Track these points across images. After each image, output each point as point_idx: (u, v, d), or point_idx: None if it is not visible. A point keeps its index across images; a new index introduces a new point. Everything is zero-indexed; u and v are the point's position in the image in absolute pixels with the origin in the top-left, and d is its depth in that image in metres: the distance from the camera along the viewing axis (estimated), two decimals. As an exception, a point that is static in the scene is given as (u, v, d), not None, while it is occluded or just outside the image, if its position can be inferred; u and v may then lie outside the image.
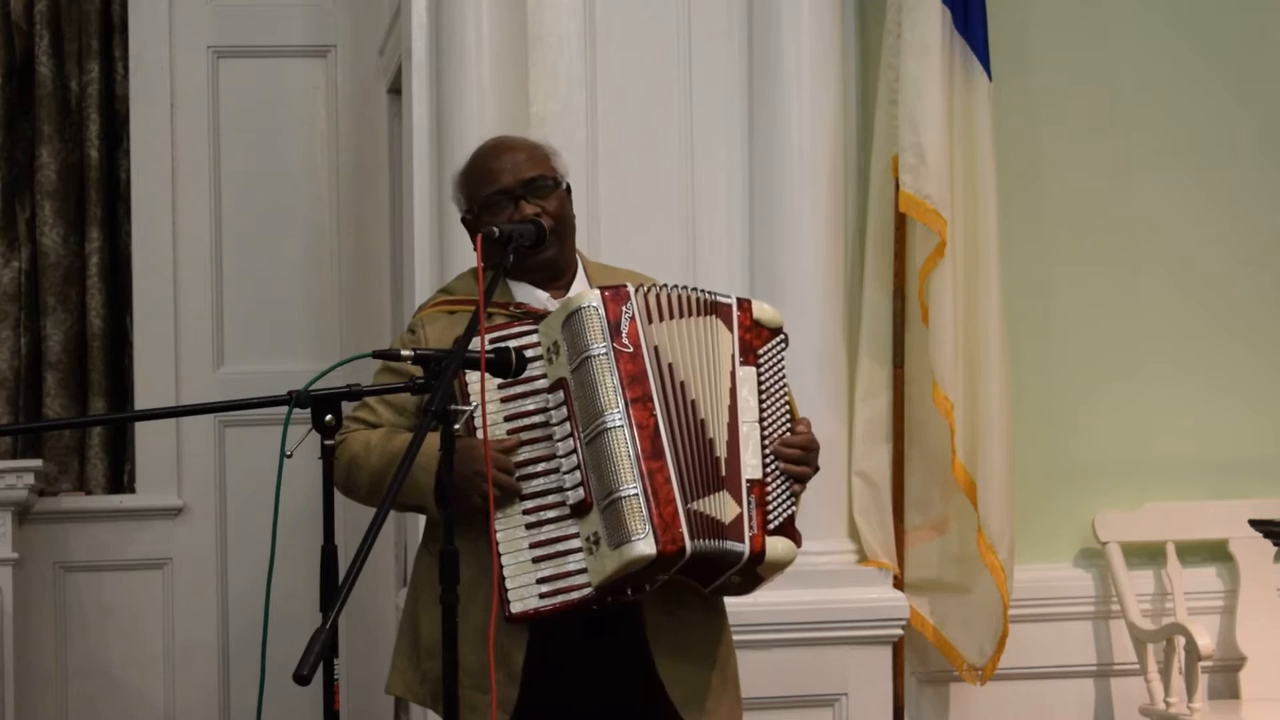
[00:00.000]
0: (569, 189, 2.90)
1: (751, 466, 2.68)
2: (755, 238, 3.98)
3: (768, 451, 2.71)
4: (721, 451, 2.66)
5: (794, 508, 2.74)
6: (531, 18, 3.92)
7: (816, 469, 2.83)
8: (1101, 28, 4.34)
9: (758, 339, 2.76)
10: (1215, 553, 4.29)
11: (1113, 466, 4.29)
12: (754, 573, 2.70)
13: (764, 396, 2.74)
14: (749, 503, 2.66)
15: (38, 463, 4.69)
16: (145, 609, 5.04)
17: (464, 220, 2.91)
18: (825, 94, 3.94)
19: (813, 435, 2.80)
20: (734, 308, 2.75)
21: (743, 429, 2.69)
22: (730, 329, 2.73)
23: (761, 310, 2.79)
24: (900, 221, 4.00)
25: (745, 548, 2.64)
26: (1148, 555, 4.24)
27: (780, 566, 2.70)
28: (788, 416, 2.78)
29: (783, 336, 2.81)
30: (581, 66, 3.97)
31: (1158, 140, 4.35)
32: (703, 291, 2.76)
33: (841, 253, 3.99)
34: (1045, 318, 4.28)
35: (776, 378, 2.77)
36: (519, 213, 2.78)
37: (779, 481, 2.72)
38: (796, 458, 2.75)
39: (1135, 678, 4.14)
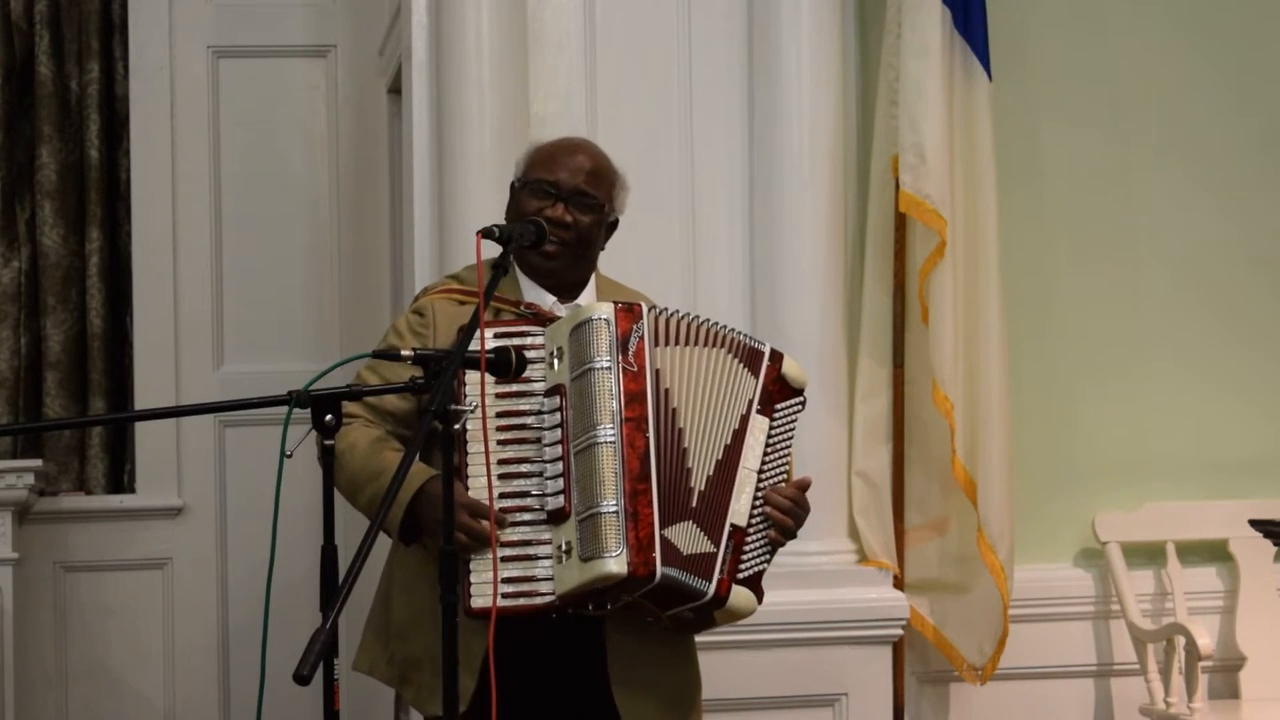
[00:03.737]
0: (614, 224, 2.91)
1: (739, 513, 2.66)
2: (755, 238, 3.98)
3: (758, 503, 2.69)
4: (699, 484, 2.64)
5: (766, 565, 2.71)
6: (531, 18, 3.92)
7: (794, 533, 2.78)
8: (1101, 27, 4.34)
9: (779, 394, 2.75)
10: (1215, 553, 4.29)
11: (1113, 466, 4.29)
12: (710, 614, 2.69)
13: (769, 450, 2.72)
14: (726, 546, 2.64)
15: (38, 463, 4.68)
16: (145, 609, 5.04)
17: (511, 184, 2.92)
18: (825, 94, 3.94)
19: (806, 497, 2.76)
20: (765, 357, 2.75)
21: (741, 473, 2.68)
22: (756, 376, 2.73)
23: (790, 366, 2.78)
24: (900, 221, 4.00)
25: (710, 589, 2.62)
26: (1148, 555, 4.24)
27: (737, 616, 2.69)
28: (785, 479, 2.75)
29: (802, 399, 2.79)
30: (581, 66, 3.97)
31: (1158, 140, 4.35)
32: (741, 333, 2.76)
33: (841, 253, 3.98)
34: (1045, 317, 4.28)
35: (785, 437, 2.76)
36: (553, 210, 2.79)
37: (760, 536, 2.70)
38: (786, 507, 2.71)
39: (1135, 678, 4.14)
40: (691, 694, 2.85)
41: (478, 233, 2.64)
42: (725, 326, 2.76)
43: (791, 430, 2.78)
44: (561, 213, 2.79)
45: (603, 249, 2.92)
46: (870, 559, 3.99)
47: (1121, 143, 4.34)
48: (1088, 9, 4.33)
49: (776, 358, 2.77)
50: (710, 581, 2.62)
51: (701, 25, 4.01)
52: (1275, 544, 3.79)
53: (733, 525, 2.65)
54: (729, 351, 2.73)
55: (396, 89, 4.54)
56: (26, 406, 5.01)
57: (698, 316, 2.74)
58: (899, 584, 4.00)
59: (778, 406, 2.75)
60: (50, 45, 5.02)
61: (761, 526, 2.70)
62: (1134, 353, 4.33)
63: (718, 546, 2.63)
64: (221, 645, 5.06)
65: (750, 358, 2.74)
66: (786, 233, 3.92)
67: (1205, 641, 3.84)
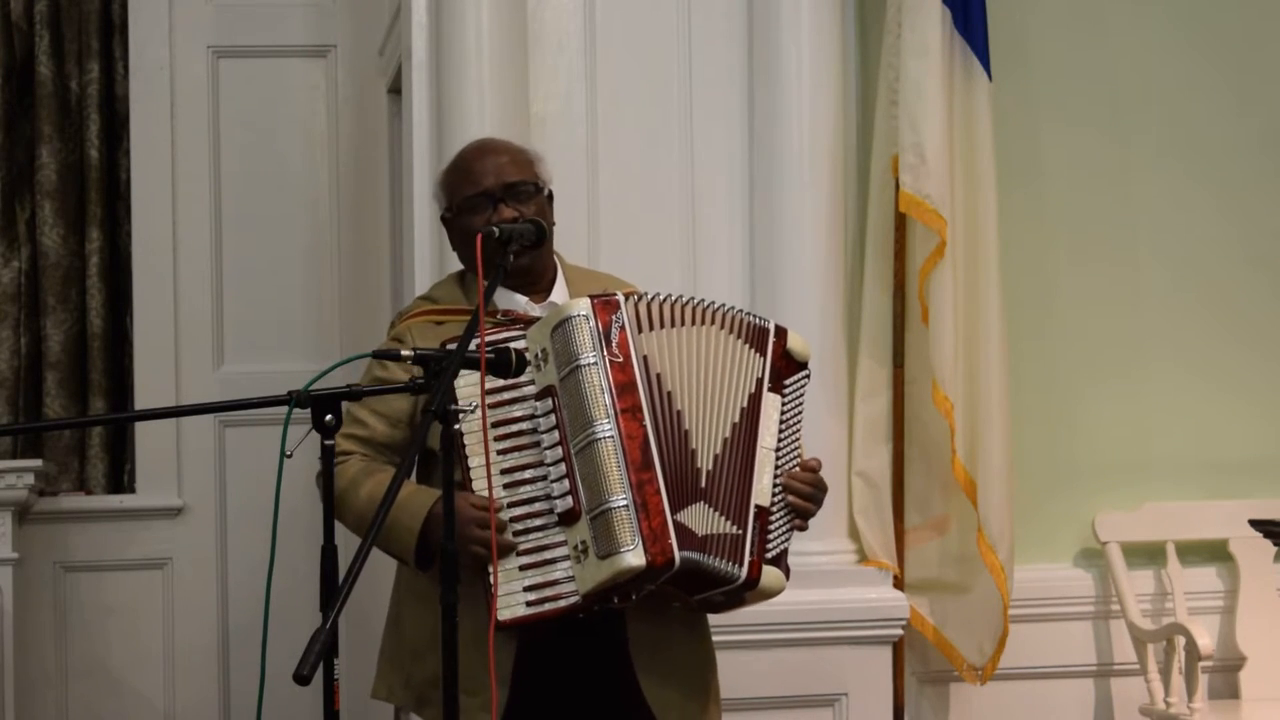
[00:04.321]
0: (551, 196, 2.91)
1: (762, 493, 2.67)
2: (755, 238, 3.98)
3: (778, 482, 2.70)
4: (706, 464, 2.64)
5: (788, 543, 2.73)
6: (531, 18, 3.92)
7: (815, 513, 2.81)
8: (1102, 27, 4.34)
9: (787, 370, 2.76)
10: (1215, 553, 4.29)
11: (1113, 466, 4.29)
12: (740, 596, 2.70)
13: (784, 427, 2.73)
14: (754, 528, 2.65)
15: (38, 463, 4.68)
16: (145, 609, 5.04)
17: (443, 219, 2.92)
18: (825, 94, 3.94)
19: (822, 477, 2.78)
20: (770, 334, 2.75)
21: (759, 453, 2.68)
22: (764, 354, 2.73)
23: (794, 341, 2.78)
24: (900, 221, 4.00)
25: (743, 572, 2.63)
26: (1148, 555, 4.24)
27: (768, 596, 2.70)
28: (799, 453, 2.77)
29: (807, 372, 2.80)
30: (581, 66, 3.97)
31: (1158, 140, 4.35)
32: (741, 310, 2.75)
33: (841, 253, 3.98)
34: (1045, 317, 4.28)
35: (796, 412, 2.77)
36: (497, 215, 2.78)
37: (783, 513, 2.71)
38: (807, 493, 2.74)
39: (1135, 678, 4.14)
40: (710, 674, 2.85)
41: (478, 234, 2.65)
42: (719, 304, 2.74)
43: (801, 405, 2.78)
44: (506, 212, 2.78)
45: (554, 223, 2.91)
46: (870, 559, 3.99)
47: (1121, 143, 4.34)
48: (1088, 9, 4.33)
49: (781, 333, 2.77)
50: (741, 565, 2.63)
51: (701, 25, 4.01)
52: (1275, 544, 3.78)
53: (757, 506, 2.66)
54: (727, 330, 2.72)
55: (396, 89, 4.53)
56: (26, 406, 5.01)
57: (681, 297, 2.72)
58: (899, 584, 4.00)
59: (786, 382, 2.75)
60: (50, 45, 5.02)
61: (783, 504, 2.71)
62: (1134, 353, 4.33)
63: (744, 528, 2.64)
64: (221, 645, 5.06)
65: (755, 336, 2.74)
66: (786, 233, 3.92)
67: (1205, 641, 3.84)
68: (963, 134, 3.99)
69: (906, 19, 3.94)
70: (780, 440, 2.72)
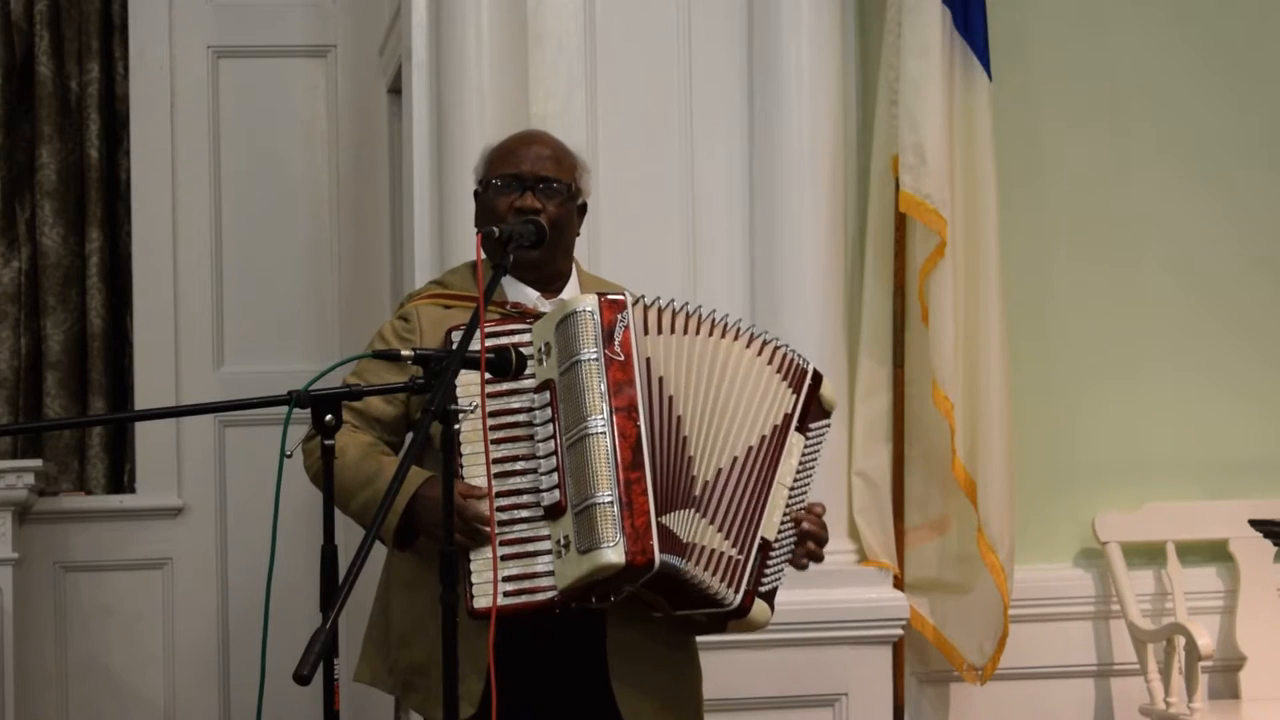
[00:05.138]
0: (583, 208, 2.90)
1: (769, 526, 2.67)
2: (755, 238, 3.98)
3: (786, 519, 2.70)
4: (703, 473, 2.63)
5: (780, 583, 2.72)
6: (531, 18, 3.92)
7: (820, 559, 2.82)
8: (1101, 26, 4.34)
9: (815, 415, 2.77)
10: (1215, 553, 4.29)
11: (1113, 466, 4.29)
12: (724, 622, 2.69)
13: (800, 470, 2.73)
14: (755, 558, 2.64)
15: (38, 463, 4.68)
16: (145, 609, 5.04)
17: (475, 194, 2.91)
18: (825, 94, 3.94)
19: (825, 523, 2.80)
20: (808, 375, 2.76)
21: (775, 487, 2.69)
22: (798, 393, 2.74)
23: (827, 389, 2.79)
24: (900, 221, 4.00)
25: (737, 598, 2.62)
26: (1148, 555, 4.24)
27: (751, 629, 2.70)
28: (805, 499, 2.77)
29: (829, 422, 2.81)
30: (581, 66, 3.97)
31: (1158, 139, 4.35)
32: (786, 346, 2.76)
33: (841, 253, 3.99)
34: (1045, 318, 4.28)
35: (813, 458, 2.77)
36: (521, 200, 2.78)
37: (784, 552, 2.71)
38: (822, 539, 2.75)
39: (1135, 678, 4.14)
40: (692, 687, 2.84)
41: (478, 232, 2.64)
42: (752, 327, 2.75)
43: (818, 453, 2.78)
44: (531, 201, 2.78)
45: (578, 234, 2.91)
46: (870, 559, 3.99)
47: (1121, 143, 4.34)
48: (1088, 8, 4.33)
49: (818, 378, 2.78)
50: (737, 591, 2.62)
51: (701, 25, 4.01)
52: (1275, 544, 3.79)
53: (763, 538, 2.66)
54: (756, 353, 2.71)
55: (396, 89, 4.54)
56: (26, 406, 5.01)
57: (700, 309, 2.72)
58: (899, 584, 4.00)
59: (812, 426, 2.76)
60: (50, 45, 5.02)
61: (787, 543, 2.71)
62: (1134, 353, 4.33)
63: (746, 555, 2.63)
64: (221, 645, 5.06)
65: (793, 373, 2.74)
66: (786, 233, 3.92)
67: (1205, 641, 3.84)
68: (963, 134, 4.00)
69: (906, 19, 3.94)
70: (795, 481, 2.72)
